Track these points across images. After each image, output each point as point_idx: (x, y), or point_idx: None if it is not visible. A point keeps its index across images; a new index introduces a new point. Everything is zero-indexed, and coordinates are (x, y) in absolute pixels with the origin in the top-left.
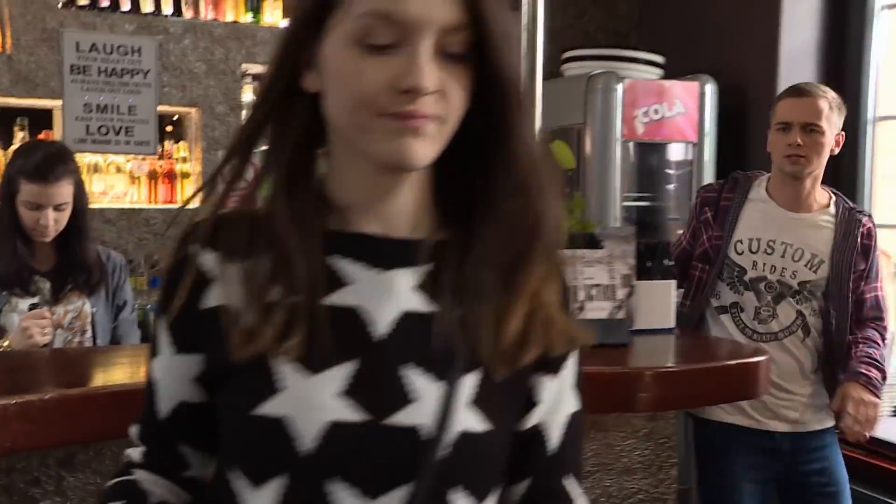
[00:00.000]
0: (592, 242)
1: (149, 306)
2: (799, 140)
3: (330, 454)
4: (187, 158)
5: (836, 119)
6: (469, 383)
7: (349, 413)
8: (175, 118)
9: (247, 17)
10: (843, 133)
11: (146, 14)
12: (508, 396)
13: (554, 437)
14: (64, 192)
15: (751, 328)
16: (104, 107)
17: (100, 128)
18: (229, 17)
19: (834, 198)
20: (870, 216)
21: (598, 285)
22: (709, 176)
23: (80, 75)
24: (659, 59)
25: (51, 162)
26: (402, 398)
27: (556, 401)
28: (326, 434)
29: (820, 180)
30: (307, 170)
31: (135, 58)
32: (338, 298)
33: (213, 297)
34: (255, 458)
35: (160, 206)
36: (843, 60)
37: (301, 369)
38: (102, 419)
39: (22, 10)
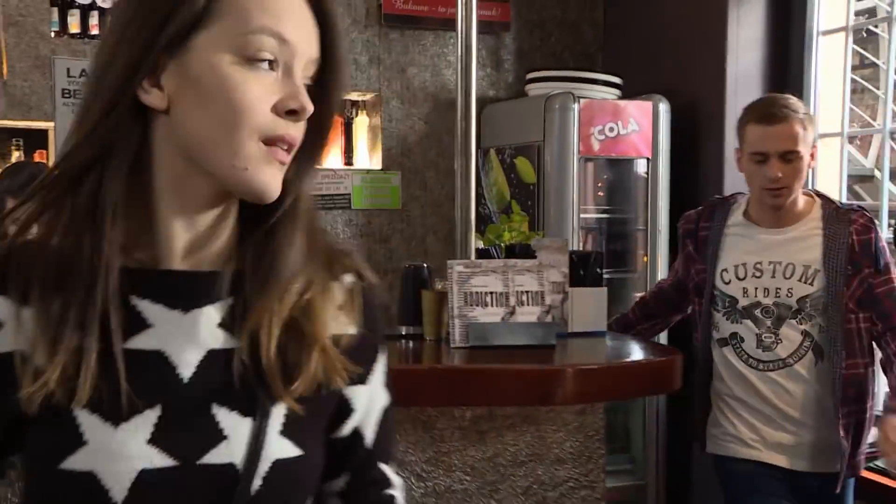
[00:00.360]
0: (527, 253)
1: None
2: (778, 172)
3: (145, 502)
4: None
5: (810, 136)
6: (277, 413)
7: (159, 459)
8: None
9: None
10: (816, 146)
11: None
12: (318, 416)
13: (369, 433)
14: None
15: (755, 358)
16: None
17: None
18: None
19: (818, 201)
20: (861, 209)
21: (527, 292)
22: (664, 188)
23: (71, 99)
24: (616, 80)
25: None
26: (213, 438)
27: (370, 405)
28: (139, 482)
29: (800, 192)
30: (119, 199)
31: None
32: (141, 342)
33: (3, 343)
34: None
35: None
36: (786, 82)
37: (103, 420)
38: None
39: (17, 40)
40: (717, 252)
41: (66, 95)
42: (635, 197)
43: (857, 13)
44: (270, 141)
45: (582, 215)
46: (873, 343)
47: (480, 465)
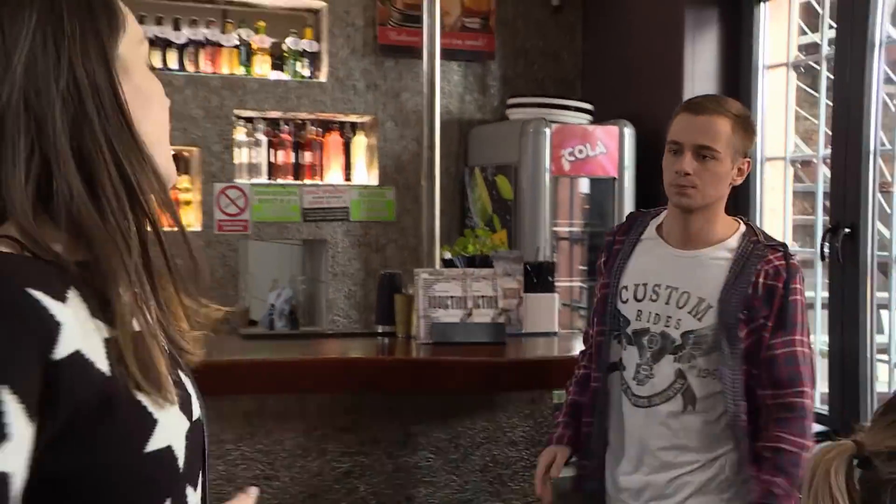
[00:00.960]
0: (486, 263)
1: None
2: (687, 167)
3: (189, 462)
4: (189, 189)
5: (739, 142)
6: None
7: (185, 421)
8: (178, 155)
9: (239, 70)
10: (748, 160)
11: (155, 69)
12: None
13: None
14: None
15: (632, 390)
16: None
17: None
18: (224, 70)
19: (743, 229)
20: (785, 252)
21: (483, 296)
22: (629, 204)
23: None
24: (588, 106)
25: None
26: (193, 396)
27: None
28: (186, 445)
29: (720, 212)
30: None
31: None
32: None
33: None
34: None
35: (166, 228)
36: None
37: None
38: None
39: None
40: (623, 267)
41: None
42: (605, 211)
43: (801, 47)
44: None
45: (555, 228)
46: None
47: (444, 445)
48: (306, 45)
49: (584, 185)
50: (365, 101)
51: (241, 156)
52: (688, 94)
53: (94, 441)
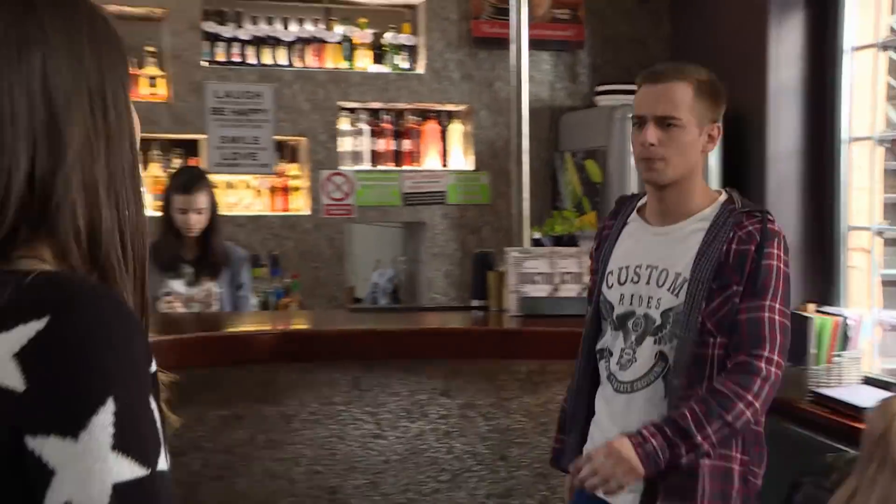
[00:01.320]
0: (572, 242)
1: (270, 290)
2: (651, 138)
3: None
4: (298, 176)
5: (704, 108)
6: None
7: None
8: (288, 145)
9: (342, 64)
10: (718, 125)
11: (266, 66)
12: None
13: None
14: (201, 200)
15: (614, 375)
16: (235, 138)
17: (232, 154)
18: (329, 65)
19: (723, 198)
20: (762, 216)
21: (569, 272)
22: (714, 186)
23: (219, 116)
24: None
25: (192, 180)
26: None
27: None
28: None
29: (697, 183)
30: None
31: (258, 100)
32: None
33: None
34: None
35: (278, 213)
36: (822, 94)
37: None
38: (220, 353)
39: (177, 70)
40: (610, 252)
41: (215, 113)
42: None
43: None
44: None
45: None
46: None
47: (534, 409)
48: (405, 39)
49: None
50: (460, 90)
51: (345, 144)
52: (772, 78)
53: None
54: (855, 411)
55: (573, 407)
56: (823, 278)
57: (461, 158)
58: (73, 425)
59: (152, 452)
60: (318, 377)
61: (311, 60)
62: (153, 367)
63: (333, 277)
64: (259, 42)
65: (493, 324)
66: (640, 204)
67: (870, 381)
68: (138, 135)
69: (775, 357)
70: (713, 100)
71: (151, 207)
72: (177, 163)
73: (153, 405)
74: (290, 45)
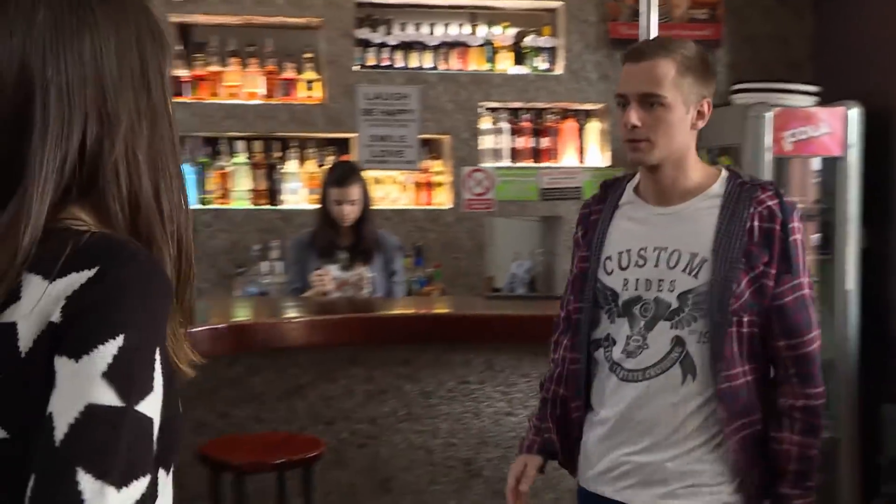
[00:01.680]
0: None
1: (414, 279)
2: (634, 119)
3: None
4: (441, 172)
5: (690, 84)
6: None
7: None
8: (432, 142)
9: (484, 66)
10: (708, 101)
11: (413, 69)
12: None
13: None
14: (355, 192)
15: (619, 364)
16: (383, 137)
17: (381, 151)
18: (472, 67)
19: (725, 174)
20: (775, 189)
21: None
22: (854, 183)
23: (369, 116)
24: (813, 88)
25: (346, 174)
26: None
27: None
28: None
29: (692, 160)
30: None
31: (405, 101)
32: None
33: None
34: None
35: (422, 206)
36: None
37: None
38: (366, 333)
39: (331, 74)
40: (604, 236)
41: (365, 113)
42: (832, 189)
43: None
44: None
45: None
46: (762, 351)
47: None
48: (544, 41)
49: (814, 164)
50: (597, 90)
51: (485, 142)
52: None
53: (167, 398)
54: None
55: (564, 396)
56: None
57: (598, 155)
58: (79, 349)
59: (136, 393)
60: (454, 358)
61: (455, 63)
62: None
63: (474, 268)
64: (406, 47)
65: None
66: (631, 185)
67: None
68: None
69: (818, 332)
70: (701, 75)
71: (308, 200)
72: (329, 160)
73: (158, 357)
74: (435, 49)
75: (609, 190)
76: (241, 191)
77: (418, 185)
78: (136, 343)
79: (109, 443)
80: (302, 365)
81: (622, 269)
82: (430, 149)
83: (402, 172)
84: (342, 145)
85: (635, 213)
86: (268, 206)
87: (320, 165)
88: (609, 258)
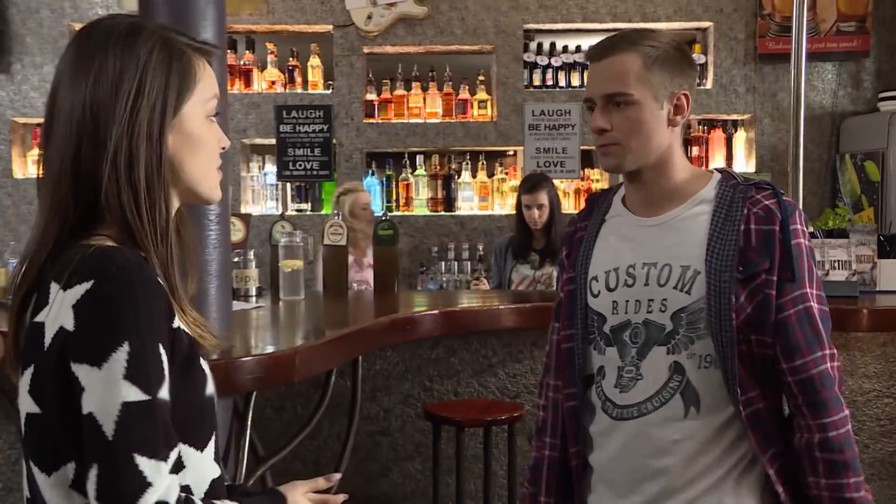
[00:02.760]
0: (843, 234)
1: None
2: (600, 122)
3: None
4: (599, 180)
5: (661, 77)
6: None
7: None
8: (591, 153)
9: None
10: (685, 93)
11: (574, 87)
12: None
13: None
14: (542, 198)
15: (611, 401)
16: (547, 149)
17: (545, 162)
18: None
19: (718, 177)
20: (773, 189)
21: (838, 260)
22: None
23: (535, 131)
24: None
25: (535, 182)
26: None
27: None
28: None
29: (677, 162)
30: None
31: (566, 117)
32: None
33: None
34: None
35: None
36: None
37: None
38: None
39: (501, 94)
40: (589, 255)
41: (531, 129)
42: None
43: None
44: (219, 168)
45: None
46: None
47: None
48: (696, 58)
49: None
50: (745, 101)
51: None
52: None
53: (183, 381)
54: None
55: (560, 446)
56: None
57: (744, 162)
58: (98, 358)
59: (154, 384)
60: None
61: None
62: (175, 323)
63: None
64: (569, 67)
65: None
66: (618, 196)
67: None
68: (224, 142)
69: (829, 351)
70: (672, 67)
71: (479, 207)
72: (499, 170)
73: (162, 350)
74: (568, 68)
75: (595, 204)
76: (422, 199)
77: (578, 191)
78: (140, 344)
79: (150, 429)
80: (492, 346)
81: (609, 290)
82: (590, 159)
83: (563, 181)
84: (510, 157)
85: (622, 226)
86: (444, 213)
87: (490, 176)
88: (595, 279)
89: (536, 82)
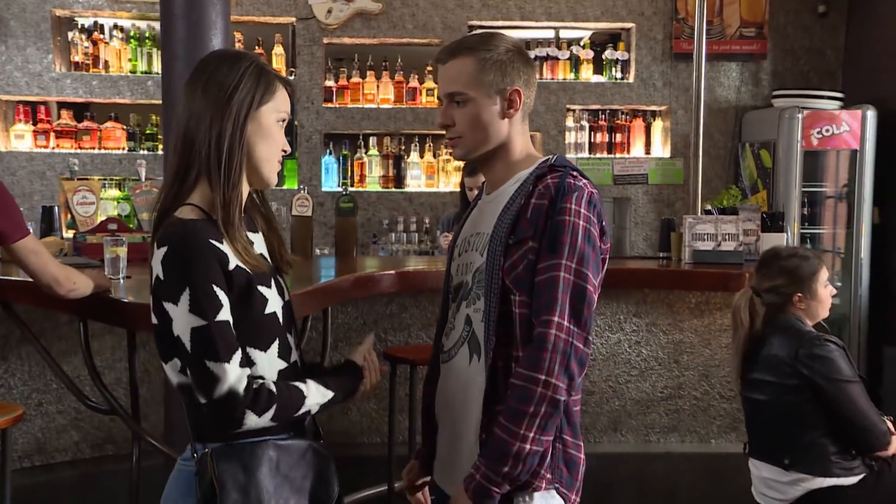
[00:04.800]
0: (733, 212)
1: None
2: (442, 118)
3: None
4: None
5: (493, 76)
6: None
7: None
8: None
9: (570, 76)
10: (517, 89)
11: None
12: None
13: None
14: (480, 180)
15: (443, 346)
16: None
17: None
18: (560, 77)
19: (539, 161)
20: (567, 172)
21: (728, 234)
22: (868, 171)
23: None
24: (838, 94)
25: (475, 167)
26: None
27: None
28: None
29: (514, 150)
30: None
31: None
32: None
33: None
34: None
35: None
36: None
37: (269, 287)
38: None
39: None
40: (461, 227)
41: None
42: (852, 177)
43: None
44: (278, 161)
45: (806, 189)
46: None
47: (700, 328)
48: (619, 55)
49: (839, 156)
50: (662, 94)
51: (570, 137)
52: None
53: (244, 306)
54: None
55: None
56: None
57: (660, 148)
58: (174, 299)
59: (211, 312)
60: None
61: (546, 73)
62: (231, 265)
63: None
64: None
65: (673, 267)
66: None
67: None
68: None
69: (565, 322)
70: (506, 67)
71: (426, 185)
72: (444, 152)
73: (216, 289)
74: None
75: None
76: (374, 177)
77: None
78: (196, 287)
79: (211, 342)
80: (439, 304)
81: (459, 256)
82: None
83: None
84: None
85: (478, 204)
86: (395, 189)
87: (436, 157)
88: (457, 246)
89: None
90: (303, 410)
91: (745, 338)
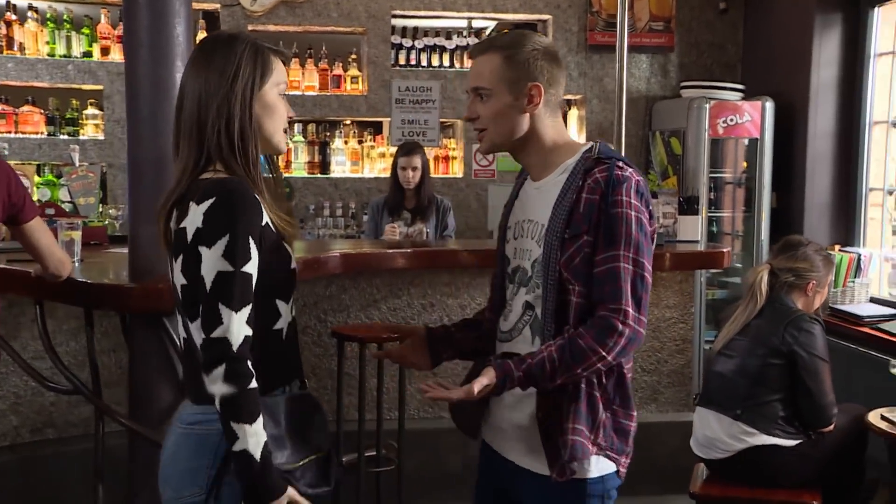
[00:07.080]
0: (652, 196)
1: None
2: (468, 112)
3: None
4: (455, 148)
5: (517, 72)
6: None
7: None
8: (449, 125)
9: None
10: (537, 84)
11: (435, 67)
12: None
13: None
14: (416, 161)
15: (499, 327)
16: (411, 121)
17: (409, 132)
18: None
19: (586, 147)
20: (614, 163)
21: None
22: (767, 158)
23: (400, 105)
24: (740, 86)
25: (412, 148)
26: None
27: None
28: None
29: (546, 139)
30: None
31: (428, 93)
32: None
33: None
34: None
35: (440, 175)
36: (853, 87)
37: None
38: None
39: (371, 71)
40: (510, 208)
41: (398, 102)
42: (753, 163)
43: None
44: (284, 130)
45: (714, 175)
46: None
47: None
48: None
49: (738, 144)
50: (577, 84)
51: None
52: (814, 75)
53: (274, 257)
54: (857, 319)
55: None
56: (847, 227)
57: (576, 136)
58: (210, 242)
59: (239, 261)
60: (483, 280)
61: (467, 63)
62: (264, 220)
63: (478, 223)
64: (430, 49)
65: None
66: None
67: (874, 301)
68: (287, 114)
69: (630, 310)
70: (528, 65)
71: (351, 171)
72: (369, 138)
73: (251, 242)
74: (452, 52)
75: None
76: (300, 162)
77: (437, 158)
78: (235, 236)
79: (231, 288)
80: (377, 285)
81: (514, 239)
82: (447, 130)
83: (426, 148)
84: (377, 127)
85: (524, 187)
86: (320, 175)
87: (360, 143)
88: (509, 228)
89: (402, 62)
90: (245, 425)
91: (756, 309)
